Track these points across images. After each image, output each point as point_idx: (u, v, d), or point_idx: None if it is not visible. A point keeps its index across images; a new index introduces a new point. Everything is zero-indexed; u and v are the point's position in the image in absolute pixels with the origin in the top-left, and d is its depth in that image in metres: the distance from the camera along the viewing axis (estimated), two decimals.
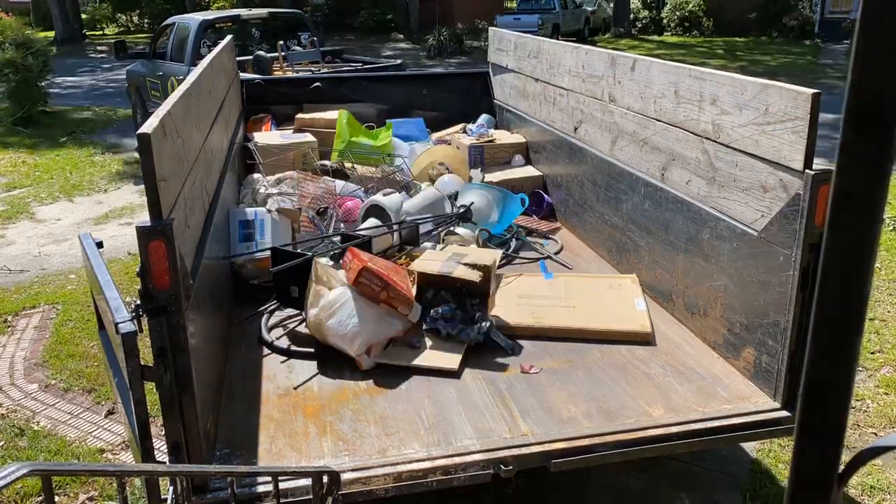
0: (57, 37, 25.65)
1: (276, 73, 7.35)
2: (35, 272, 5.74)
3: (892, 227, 5.93)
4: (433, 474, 2.38)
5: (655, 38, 24.66)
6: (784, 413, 2.63)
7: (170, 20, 9.32)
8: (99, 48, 25.22)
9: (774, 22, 23.29)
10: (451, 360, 2.97)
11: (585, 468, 2.59)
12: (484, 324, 3.06)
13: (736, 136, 2.84)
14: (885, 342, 4.24)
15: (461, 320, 3.11)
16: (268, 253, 3.65)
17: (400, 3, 26.54)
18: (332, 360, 3.03)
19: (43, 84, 12.26)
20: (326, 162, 4.82)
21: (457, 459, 2.41)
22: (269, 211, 3.88)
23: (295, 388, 2.84)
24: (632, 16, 26.02)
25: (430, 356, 3.01)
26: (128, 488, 2.94)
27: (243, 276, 3.68)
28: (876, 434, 3.45)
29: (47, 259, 6.02)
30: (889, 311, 4.64)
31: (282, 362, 3.04)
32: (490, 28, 6.25)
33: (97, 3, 33.11)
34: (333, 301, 2.99)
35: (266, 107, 5.64)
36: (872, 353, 4.11)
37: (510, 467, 2.40)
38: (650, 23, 26.02)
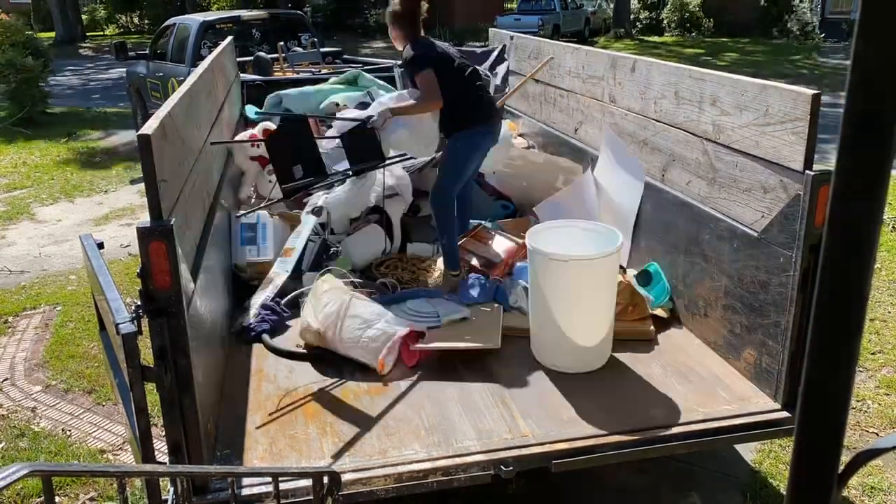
0: (57, 37, 25.66)
1: (276, 73, 7.35)
2: (36, 273, 5.74)
3: (892, 227, 5.92)
4: (433, 475, 2.38)
5: (655, 38, 24.66)
6: (784, 414, 2.63)
7: (170, 21, 9.31)
8: (86, 47, 25.26)
9: (775, 22, 23.28)
10: (492, 338, 3.05)
11: (586, 469, 2.59)
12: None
13: (736, 136, 2.84)
14: (886, 342, 4.24)
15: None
16: (270, 256, 3.66)
17: None
18: (333, 362, 3.03)
19: (43, 85, 12.26)
20: None
21: (457, 460, 2.41)
22: (272, 215, 3.89)
23: (290, 391, 2.85)
24: (632, 16, 26.01)
25: (470, 335, 3.07)
26: (128, 489, 2.94)
27: (243, 277, 3.68)
28: (877, 434, 3.45)
29: (48, 260, 6.02)
30: (889, 312, 4.63)
31: (283, 363, 3.04)
32: (490, 29, 6.25)
33: (96, 4, 33.11)
34: (332, 314, 2.99)
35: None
36: (873, 353, 4.11)
37: (510, 468, 2.40)
38: (650, 24, 26.01)
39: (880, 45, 0.46)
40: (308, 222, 3.84)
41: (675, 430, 2.56)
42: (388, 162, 3.94)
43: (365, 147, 3.71)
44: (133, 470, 2.18)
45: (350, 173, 3.84)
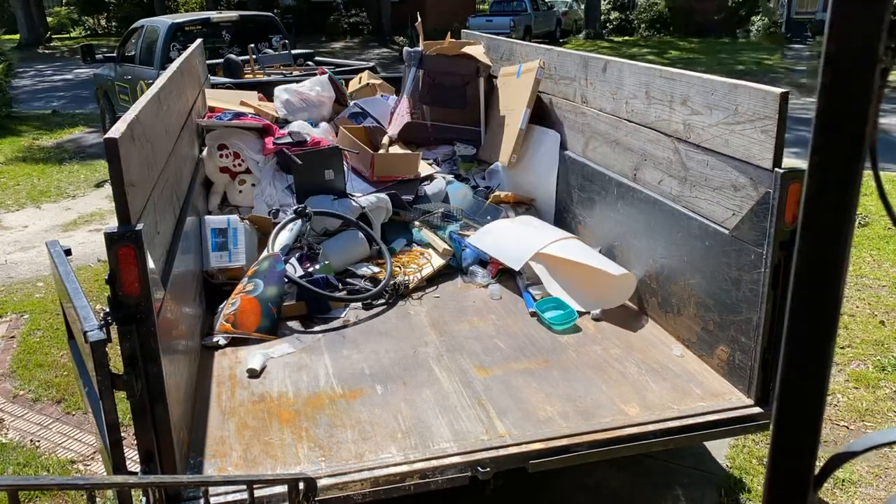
0: (21, 40, 25.20)
1: (247, 76, 7.28)
2: (2, 280, 5.62)
3: (859, 224, 6.04)
4: (410, 478, 2.37)
5: (627, 39, 24.90)
6: (757, 409, 2.66)
7: (138, 23, 9.19)
8: (51, 49, 24.91)
9: (742, 23, 23.63)
10: None
11: (563, 468, 2.60)
12: None
13: (706, 135, 2.87)
14: (855, 337, 4.31)
15: None
16: (242, 262, 3.63)
17: (372, 5, 26.47)
18: (306, 366, 3.01)
19: (6, 87, 12.03)
20: None
21: (434, 462, 2.40)
22: (243, 219, 3.84)
23: (264, 397, 2.81)
24: (602, 17, 26.22)
25: None
26: (99, 500, 2.89)
27: (214, 283, 3.64)
28: (847, 427, 3.51)
29: (14, 267, 5.90)
30: (857, 306, 4.72)
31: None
32: (462, 30, 6.25)
33: (62, 6, 32.55)
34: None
35: None
36: (842, 347, 4.18)
37: (488, 469, 2.40)
38: (621, 24, 26.25)
39: (850, 45, 0.46)
40: (293, 225, 3.82)
41: (650, 427, 2.58)
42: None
43: (318, 173, 4.03)
44: (103, 482, 2.13)
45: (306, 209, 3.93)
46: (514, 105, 4.51)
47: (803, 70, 16.87)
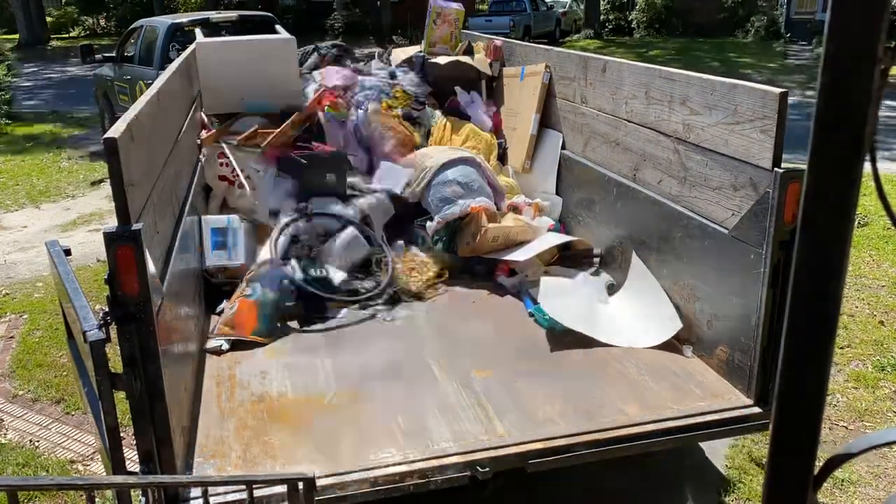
0: (21, 40, 25.17)
1: None
2: (1, 281, 5.61)
3: (858, 223, 6.03)
4: (410, 478, 2.37)
5: (626, 39, 24.92)
6: (757, 409, 2.66)
7: (138, 23, 9.18)
8: (50, 49, 24.90)
9: (742, 23, 23.62)
10: None
11: (563, 468, 2.60)
12: None
13: (706, 135, 2.87)
14: (854, 337, 4.31)
15: None
16: (241, 261, 3.62)
17: (372, 4, 26.47)
18: (306, 366, 3.01)
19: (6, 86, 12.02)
20: None
21: (433, 462, 2.40)
22: (243, 219, 3.84)
23: (263, 397, 2.81)
24: (602, 17, 26.21)
25: None
26: (98, 500, 2.89)
27: (214, 282, 3.64)
28: (846, 427, 3.51)
29: (14, 267, 5.89)
30: (856, 306, 4.72)
31: (256, 369, 3.01)
32: (462, 30, 6.24)
33: (61, 6, 32.52)
34: None
35: None
36: (841, 347, 4.17)
37: (487, 469, 2.39)
38: (620, 24, 26.25)
39: (850, 45, 0.46)
40: (294, 225, 3.82)
41: (649, 427, 2.58)
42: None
43: (321, 177, 4.13)
44: (102, 482, 2.13)
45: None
46: (520, 109, 4.51)
47: (775, 68, 16.94)
